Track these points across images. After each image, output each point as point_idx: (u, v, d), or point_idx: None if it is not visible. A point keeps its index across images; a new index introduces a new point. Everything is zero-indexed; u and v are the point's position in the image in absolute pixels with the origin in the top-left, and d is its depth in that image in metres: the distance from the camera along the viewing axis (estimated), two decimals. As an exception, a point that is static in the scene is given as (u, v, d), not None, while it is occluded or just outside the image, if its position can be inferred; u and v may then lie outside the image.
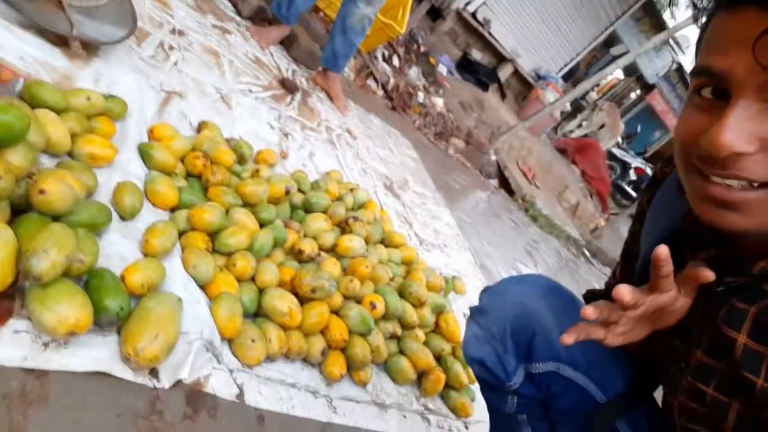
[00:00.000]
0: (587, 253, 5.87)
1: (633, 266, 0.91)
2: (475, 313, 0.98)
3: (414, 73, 4.94)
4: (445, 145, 4.73)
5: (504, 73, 7.48)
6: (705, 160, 0.57)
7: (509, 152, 5.87)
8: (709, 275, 0.63)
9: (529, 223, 5.04)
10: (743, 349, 0.62)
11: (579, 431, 0.88)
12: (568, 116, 11.11)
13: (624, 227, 6.94)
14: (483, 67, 6.46)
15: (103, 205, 1.05)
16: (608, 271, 5.40)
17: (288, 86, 2.54)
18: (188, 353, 0.96)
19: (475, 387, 1.52)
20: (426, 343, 1.57)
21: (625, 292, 0.61)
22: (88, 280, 0.91)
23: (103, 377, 0.84)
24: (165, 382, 0.91)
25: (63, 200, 0.92)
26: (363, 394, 1.32)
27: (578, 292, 1.02)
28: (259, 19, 2.84)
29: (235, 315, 1.09)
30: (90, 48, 1.46)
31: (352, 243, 1.53)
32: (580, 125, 10.91)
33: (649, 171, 11.93)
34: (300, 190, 1.71)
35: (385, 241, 1.89)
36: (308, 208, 1.65)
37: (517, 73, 7.86)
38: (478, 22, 6.74)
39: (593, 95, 16.13)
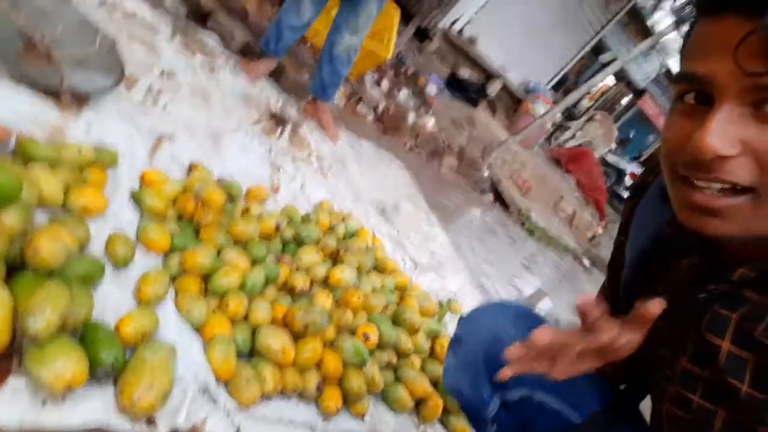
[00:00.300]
0: (586, 262, 5.89)
1: (620, 275, 0.92)
2: (452, 342, 1.01)
3: (404, 95, 5.00)
4: (439, 163, 4.78)
5: (493, 88, 7.58)
6: (690, 164, 0.58)
7: (502, 167, 5.91)
8: (655, 309, 0.64)
9: (526, 237, 5.06)
10: (727, 356, 0.63)
11: None
12: (560, 126, 11.22)
13: (622, 234, 6.94)
14: (472, 84, 6.55)
15: (96, 260, 1.08)
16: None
17: (278, 119, 2.58)
18: (184, 399, 0.99)
19: (473, 411, 1.53)
20: (422, 369, 1.59)
21: (540, 337, 0.64)
22: (83, 333, 0.94)
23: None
24: (163, 429, 0.93)
25: (57, 257, 0.95)
26: (361, 426, 1.33)
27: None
28: (248, 53, 2.91)
29: (230, 357, 1.11)
30: (80, 99, 1.51)
31: (344, 274, 1.56)
32: (573, 136, 11.00)
33: (644, 175, 11.97)
34: (291, 224, 1.74)
35: (378, 268, 1.92)
36: (300, 242, 1.68)
37: (506, 87, 7.96)
38: (465, 40, 6.85)
39: (585, 103, 16.30)
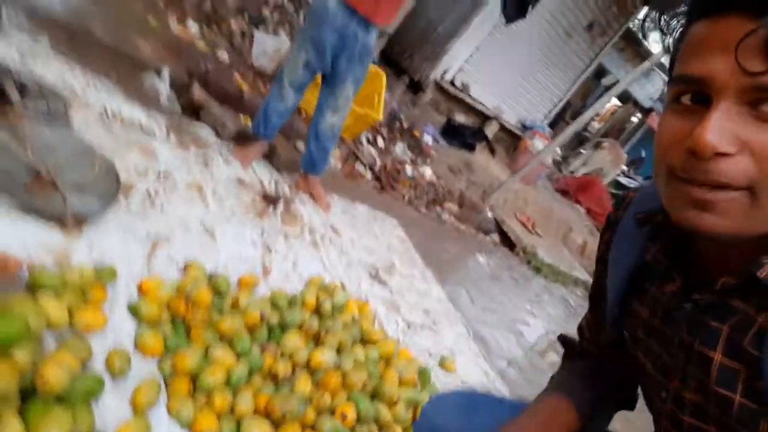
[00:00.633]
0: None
1: (602, 307, 0.94)
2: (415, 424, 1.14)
3: (400, 149, 5.23)
4: (439, 211, 4.95)
5: (491, 130, 7.80)
6: (686, 164, 0.58)
7: (504, 206, 6.06)
8: None
9: (532, 276, 5.15)
10: (719, 367, 0.64)
11: None
12: (567, 156, 11.40)
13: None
14: (467, 129, 6.78)
15: (97, 375, 1.27)
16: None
17: (270, 198, 2.80)
18: (172, 496, 1.15)
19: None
20: (404, 437, 1.73)
21: None
22: (86, 448, 1.12)
23: None
24: None
25: (62, 382, 1.13)
26: (343, 500, 1.47)
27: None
28: (241, 138, 3.15)
29: (215, 451, 1.28)
30: (81, 221, 1.73)
31: (324, 357, 1.72)
32: (585, 163, 11.18)
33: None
34: (277, 310, 1.91)
35: (364, 339, 2.07)
36: (284, 327, 1.85)
37: (503, 128, 8.19)
38: (458, 88, 7.13)
39: (595, 125, 16.45)
